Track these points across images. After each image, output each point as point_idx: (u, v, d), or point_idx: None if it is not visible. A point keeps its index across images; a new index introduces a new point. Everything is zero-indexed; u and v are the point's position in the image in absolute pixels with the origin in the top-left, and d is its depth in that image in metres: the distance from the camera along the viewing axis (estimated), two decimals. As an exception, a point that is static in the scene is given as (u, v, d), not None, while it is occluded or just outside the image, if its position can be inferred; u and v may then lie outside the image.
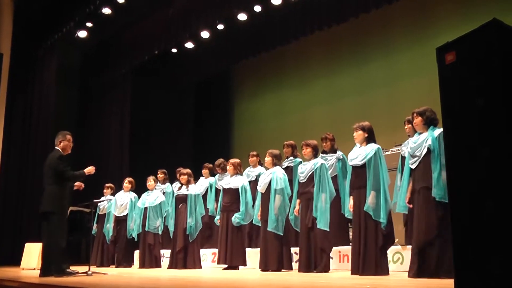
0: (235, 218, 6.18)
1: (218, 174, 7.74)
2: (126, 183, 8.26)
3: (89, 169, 5.49)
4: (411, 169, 4.25)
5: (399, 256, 5.19)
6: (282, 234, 5.62)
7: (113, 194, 8.46)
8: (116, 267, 7.81)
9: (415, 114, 4.32)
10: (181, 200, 6.88)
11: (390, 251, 5.27)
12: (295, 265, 5.80)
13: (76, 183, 5.62)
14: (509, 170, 2.16)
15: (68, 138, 5.43)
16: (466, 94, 2.41)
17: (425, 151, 4.13)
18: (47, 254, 5.10)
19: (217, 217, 6.60)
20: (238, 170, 6.56)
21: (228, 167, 6.66)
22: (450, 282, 2.47)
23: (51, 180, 5.21)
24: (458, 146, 2.45)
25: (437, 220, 3.97)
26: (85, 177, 5.49)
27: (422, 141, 4.19)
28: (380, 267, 4.45)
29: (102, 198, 8.24)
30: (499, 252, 2.15)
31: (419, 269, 4.01)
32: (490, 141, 2.26)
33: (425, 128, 4.24)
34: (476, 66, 2.36)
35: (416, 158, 4.20)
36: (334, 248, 5.59)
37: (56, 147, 5.41)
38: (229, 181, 6.51)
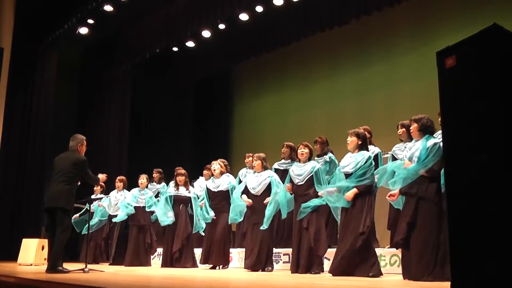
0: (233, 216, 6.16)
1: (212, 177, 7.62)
2: (117, 182, 8.21)
3: (102, 177, 6.27)
4: None
5: (396, 259, 5.19)
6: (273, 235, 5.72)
7: (103, 193, 8.44)
8: (109, 264, 7.78)
9: (412, 121, 4.36)
10: (180, 201, 6.89)
11: (387, 254, 5.28)
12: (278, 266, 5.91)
13: (102, 176, 6.38)
14: (508, 174, 2.17)
15: (85, 144, 5.78)
16: (466, 98, 2.42)
17: (416, 159, 4.16)
18: (59, 249, 5.15)
19: (212, 213, 6.48)
20: (225, 169, 6.61)
21: (215, 169, 6.59)
22: (447, 285, 2.48)
23: (70, 179, 5.37)
24: (457, 150, 2.46)
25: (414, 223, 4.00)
26: (98, 182, 6.42)
27: (416, 149, 4.23)
28: (364, 267, 4.48)
29: (98, 196, 8.23)
30: (495, 256, 2.16)
31: (403, 271, 4.07)
32: (489, 145, 2.26)
33: (419, 135, 4.26)
34: (476, 71, 2.37)
35: None
36: (329, 250, 5.60)
37: (73, 150, 5.62)
38: (219, 183, 6.46)
